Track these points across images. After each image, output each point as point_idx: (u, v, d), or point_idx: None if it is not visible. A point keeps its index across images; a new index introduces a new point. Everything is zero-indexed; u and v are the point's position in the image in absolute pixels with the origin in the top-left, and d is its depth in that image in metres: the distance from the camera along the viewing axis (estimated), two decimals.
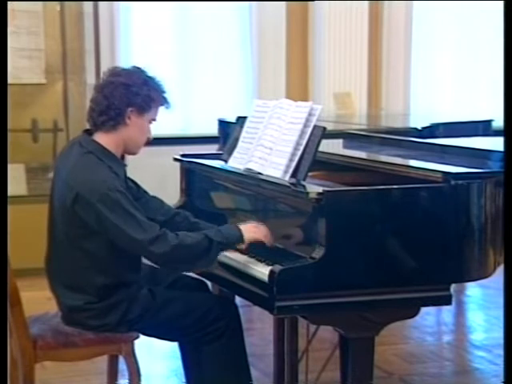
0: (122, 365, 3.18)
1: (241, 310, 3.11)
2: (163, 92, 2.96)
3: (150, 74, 2.97)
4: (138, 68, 2.98)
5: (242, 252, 3.04)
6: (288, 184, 2.91)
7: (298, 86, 7.53)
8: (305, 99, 6.59)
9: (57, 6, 7.54)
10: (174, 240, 2.83)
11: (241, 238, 2.92)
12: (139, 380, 3.07)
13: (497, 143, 3.10)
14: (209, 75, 7.53)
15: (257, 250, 2.98)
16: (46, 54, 7.34)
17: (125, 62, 8.10)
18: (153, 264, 2.97)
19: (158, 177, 6.32)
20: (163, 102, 2.96)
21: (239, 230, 2.93)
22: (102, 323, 2.96)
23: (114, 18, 7.73)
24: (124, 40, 7.78)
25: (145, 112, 2.91)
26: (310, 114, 2.96)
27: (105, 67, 7.70)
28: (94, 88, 2.98)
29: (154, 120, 2.97)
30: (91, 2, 7.49)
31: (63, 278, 3.00)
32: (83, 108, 7.99)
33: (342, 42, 7.14)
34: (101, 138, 2.94)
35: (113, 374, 3.35)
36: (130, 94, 2.86)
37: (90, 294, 2.93)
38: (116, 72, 2.95)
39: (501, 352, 3.81)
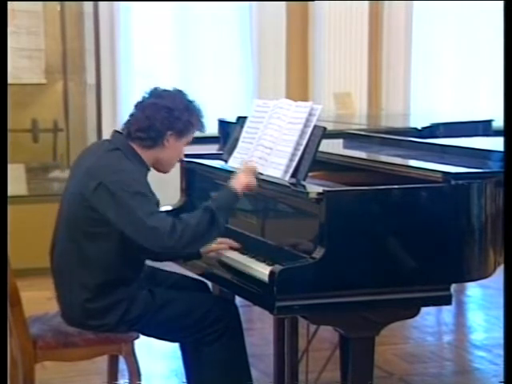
0: (122, 365, 3.18)
1: (241, 310, 3.12)
2: (202, 117, 3.03)
3: (190, 97, 3.02)
4: (180, 91, 3.02)
5: (242, 252, 3.04)
6: (288, 184, 2.90)
7: (298, 86, 7.52)
8: (305, 99, 6.58)
9: (57, 5, 7.54)
10: (182, 225, 2.81)
11: (237, 197, 2.91)
12: (139, 380, 3.07)
13: (496, 143, 3.10)
14: (209, 75, 7.53)
15: (257, 250, 2.98)
16: (46, 53, 7.34)
17: (125, 62, 8.10)
18: (167, 254, 2.99)
19: (158, 177, 6.31)
20: (201, 127, 3.04)
21: (233, 190, 2.91)
22: (102, 323, 2.96)
23: (114, 17, 7.72)
24: (124, 40, 7.78)
25: (183, 136, 2.99)
26: (310, 114, 2.96)
27: (105, 67, 7.76)
28: (134, 105, 3.01)
29: (189, 142, 3.04)
30: (91, 2, 7.48)
31: (65, 274, 3.00)
32: (83, 108, 8.01)
33: (342, 42, 7.14)
34: (133, 146, 2.98)
35: (113, 374, 3.35)
36: (172, 118, 2.92)
37: (90, 291, 2.93)
38: (159, 93, 2.98)
39: (501, 352, 3.81)
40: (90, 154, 3.06)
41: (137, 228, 2.82)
